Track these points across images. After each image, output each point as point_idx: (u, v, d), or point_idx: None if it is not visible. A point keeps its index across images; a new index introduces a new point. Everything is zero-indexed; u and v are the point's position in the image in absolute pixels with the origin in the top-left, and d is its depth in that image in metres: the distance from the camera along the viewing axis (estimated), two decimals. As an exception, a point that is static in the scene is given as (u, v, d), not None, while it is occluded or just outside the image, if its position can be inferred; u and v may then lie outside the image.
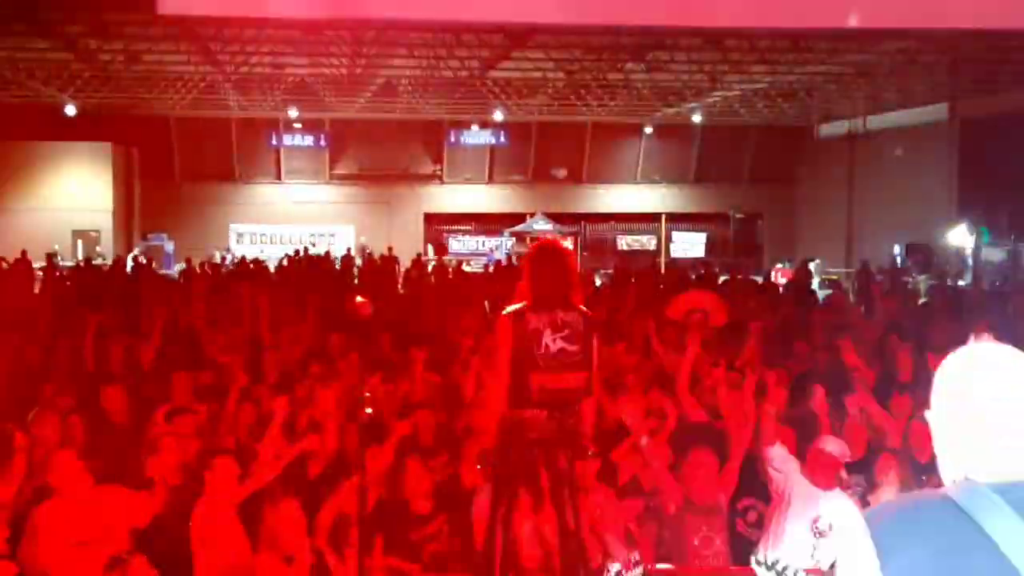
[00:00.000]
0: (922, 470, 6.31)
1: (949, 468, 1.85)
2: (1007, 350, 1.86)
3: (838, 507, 5.65)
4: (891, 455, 6.25)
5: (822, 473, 5.77)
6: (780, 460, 5.84)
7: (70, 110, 30.18)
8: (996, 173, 26.09)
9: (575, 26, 19.44)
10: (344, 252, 31.42)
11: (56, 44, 22.87)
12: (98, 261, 27.92)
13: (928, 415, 1.91)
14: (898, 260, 29.44)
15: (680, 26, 18.00)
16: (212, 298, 13.07)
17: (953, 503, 1.73)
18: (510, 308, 5.34)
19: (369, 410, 4.86)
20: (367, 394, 5.33)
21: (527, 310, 5.27)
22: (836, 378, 8.94)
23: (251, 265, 24.59)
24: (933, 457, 1.95)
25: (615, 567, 5.65)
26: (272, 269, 24.21)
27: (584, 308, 5.47)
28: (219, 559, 5.34)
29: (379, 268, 26.52)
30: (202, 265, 24.75)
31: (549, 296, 5.28)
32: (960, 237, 28.56)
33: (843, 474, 5.99)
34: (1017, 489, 1.72)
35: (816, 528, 5.60)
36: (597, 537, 5.65)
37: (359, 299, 5.58)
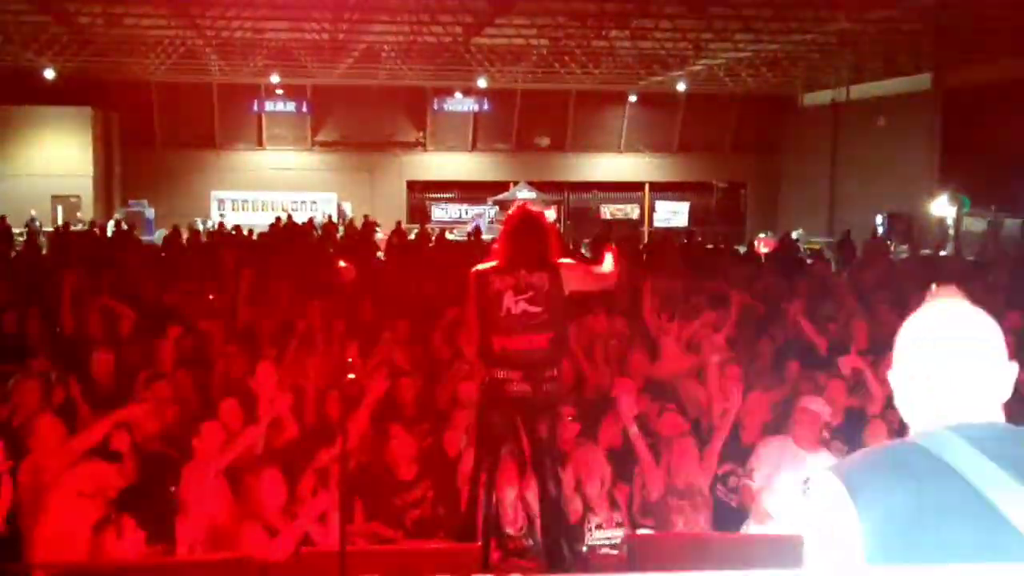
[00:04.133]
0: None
1: (912, 423, 1.93)
2: (959, 304, 1.91)
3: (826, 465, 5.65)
4: (880, 421, 6.28)
5: (807, 433, 5.78)
6: (766, 455, 5.85)
7: (49, 74, 29.78)
8: (979, 143, 26.14)
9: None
10: (325, 219, 31.26)
11: (34, 6, 22.50)
12: (78, 227, 27.65)
13: (889, 375, 1.98)
14: (880, 230, 29.50)
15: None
16: (194, 265, 12.98)
17: (919, 446, 1.82)
18: (480, 266, 5.38)
19: (352, 376, 4.83)
20: (350, 360, 5.31)
21: (492, 271, 5.30)
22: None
23: (232, 232, 24.40)
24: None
25: (595, 520, 5.68)
26: (255, 236, 23.99)
27: (566, 260, 5.48)
28: (204, 523, 5.32)
29: (359, 235, 26.33)
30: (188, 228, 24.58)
31: (518, 259, 5.30)
32: (942, 207, 28.62)
33: (826, 435, 6.02)
34: (969, 428, 1.81)
35: (806, 488, 5.59)
36: (580, 492, 5.67)
37: (342, 264, 5.55)
